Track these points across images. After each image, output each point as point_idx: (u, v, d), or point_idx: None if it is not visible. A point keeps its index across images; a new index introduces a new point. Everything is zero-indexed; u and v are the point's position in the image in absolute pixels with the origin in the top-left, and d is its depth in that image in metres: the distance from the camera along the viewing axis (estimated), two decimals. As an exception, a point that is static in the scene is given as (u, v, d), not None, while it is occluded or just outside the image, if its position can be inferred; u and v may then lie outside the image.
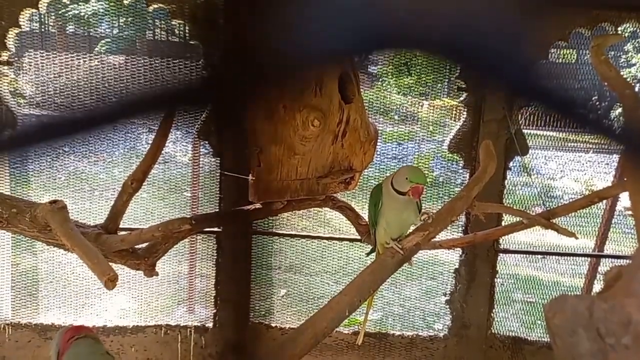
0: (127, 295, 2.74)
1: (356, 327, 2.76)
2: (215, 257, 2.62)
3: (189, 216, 1.83)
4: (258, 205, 1.89)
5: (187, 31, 2.69)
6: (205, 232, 2.56)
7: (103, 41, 3.92)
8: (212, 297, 2.71)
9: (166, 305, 2.82)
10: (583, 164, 5.58)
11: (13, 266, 2.78)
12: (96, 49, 3.76)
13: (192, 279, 2.84)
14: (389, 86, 4.34)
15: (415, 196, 1.62)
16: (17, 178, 2.79)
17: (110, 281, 1.41)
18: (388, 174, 1.90)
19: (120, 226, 1.83)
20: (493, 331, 2.89)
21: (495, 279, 2.85)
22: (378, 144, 2.00)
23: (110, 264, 1.50)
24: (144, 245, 1.83)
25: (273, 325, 2.76)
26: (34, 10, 2.55)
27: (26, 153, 2.80)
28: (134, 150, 3.07)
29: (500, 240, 2.78)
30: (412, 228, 1.69)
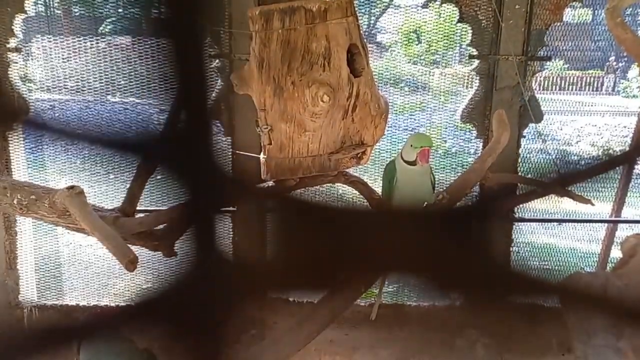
0: (148, 275, 2.80)
1: (373, 299, 2.80)
2: (232, 236, 2.65)
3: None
4: (271, 184, 1.90)
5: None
6: (221, 212, 2.58)
7: (108, 20, 3.89)
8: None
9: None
10: (600, 128, 5.47)
11: (35, 250, 2.85)
12: (100, 28, 3.74)
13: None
14: (398, 56, 4.26)
15: (423, 160, 1.62)
16: (34, 164, 2.84)
17: (131, 263, 1.44)
18: (400, 147, 1.89)
19: (137, 208, 1.85)
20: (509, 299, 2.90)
21: (511, 248, 2.84)
22: (389, 116, 1.99)
23: (130, 245, 1.54)
24: (162, 226, 1.86)
25: (291, 299, 2.81)
26: (38, -5, 2.54)
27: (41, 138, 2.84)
28: (147, 132, 3.08)
29: (515, 209, 2.77)
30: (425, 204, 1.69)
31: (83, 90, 2.94)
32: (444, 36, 2.97)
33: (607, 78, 6.59)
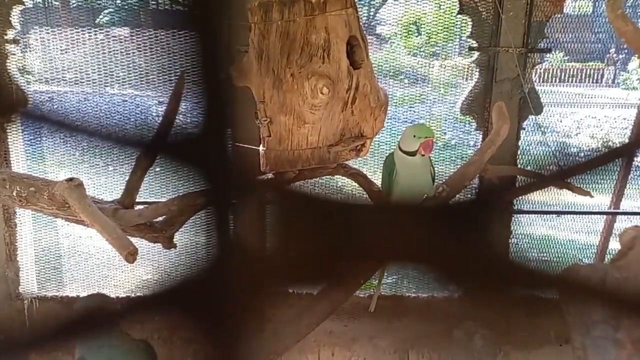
0: (147, 267, 2.80)
1: (372, 291, 2.81)
2: (232, 228, 2.66)
3: (202, 188, 1.85)
4: (270, 176, 1.90)
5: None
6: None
7: (105, 11, 3.87)
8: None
9: (186, 275, 2.88)
10: (599, 120, 5.46)
11: (35, 242, 2.86)
12: (97, 20, 3.72)
13: (209, 249, 2.89)
14: (398, 47, 4.24)
15: (427, 151, 1.62)
16: (33, 155, 2.83)
17: (131, 255, 1.45)
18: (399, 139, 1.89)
19: (137, 200, 1.85)
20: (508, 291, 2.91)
21: (510, 239, 2.85)
22: (389, 108, 1.98)
23: (129, 237, 1.54)
24: (161, 218, 1.86)
25: (290, 291, 2.82)
26: (36, -14, 2.52)
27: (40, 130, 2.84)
28: (145, 124, 3.08)
29: (515, 201, 2.77)
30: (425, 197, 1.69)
31: (81, 82, 2.93)
32: (444, 28, 2.95)
33: (607, 70, 6.57)
